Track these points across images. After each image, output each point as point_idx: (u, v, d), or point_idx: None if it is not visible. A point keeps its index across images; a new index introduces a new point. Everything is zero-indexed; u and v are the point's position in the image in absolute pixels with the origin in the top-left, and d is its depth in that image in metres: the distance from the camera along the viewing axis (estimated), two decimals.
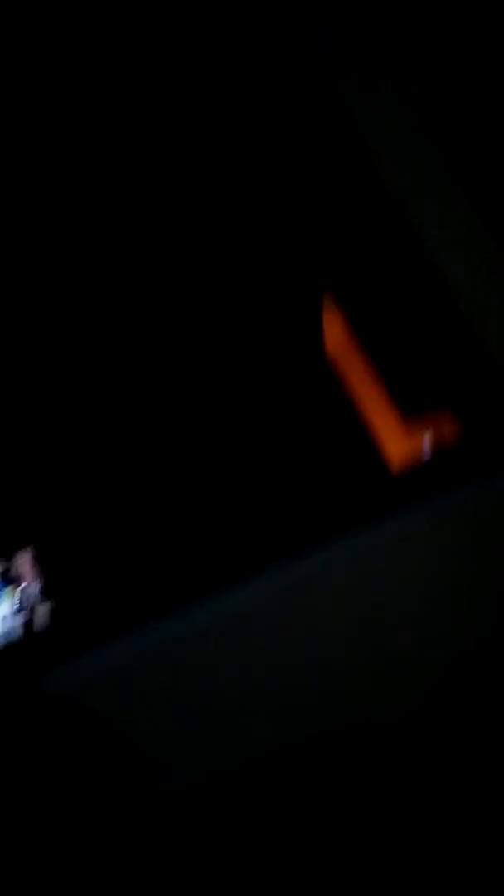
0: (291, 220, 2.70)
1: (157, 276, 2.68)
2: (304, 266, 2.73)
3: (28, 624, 2.45)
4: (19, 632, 2.44)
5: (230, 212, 2.69)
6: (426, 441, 2.54)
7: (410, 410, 2.62)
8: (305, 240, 2.72)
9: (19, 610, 2.42)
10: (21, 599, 2.43)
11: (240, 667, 1.87)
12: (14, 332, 2.59)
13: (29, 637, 2.38)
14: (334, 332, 2.73)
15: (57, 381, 2.68)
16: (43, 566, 2.49)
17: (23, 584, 2.43)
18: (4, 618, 2.44)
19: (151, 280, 2.66)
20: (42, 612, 2.43)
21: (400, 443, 2.59)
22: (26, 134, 2.47)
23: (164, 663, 1.92)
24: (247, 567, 2.22)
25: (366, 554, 2.04)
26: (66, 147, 2.55)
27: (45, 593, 2.45)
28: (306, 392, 2.73)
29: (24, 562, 2.47)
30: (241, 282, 2.73)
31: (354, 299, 2.74)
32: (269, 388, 2.72)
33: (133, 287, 2.68)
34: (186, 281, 2.70)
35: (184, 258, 2.71)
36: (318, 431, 2.70)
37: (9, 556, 2.42)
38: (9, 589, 2.45)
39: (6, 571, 2.43)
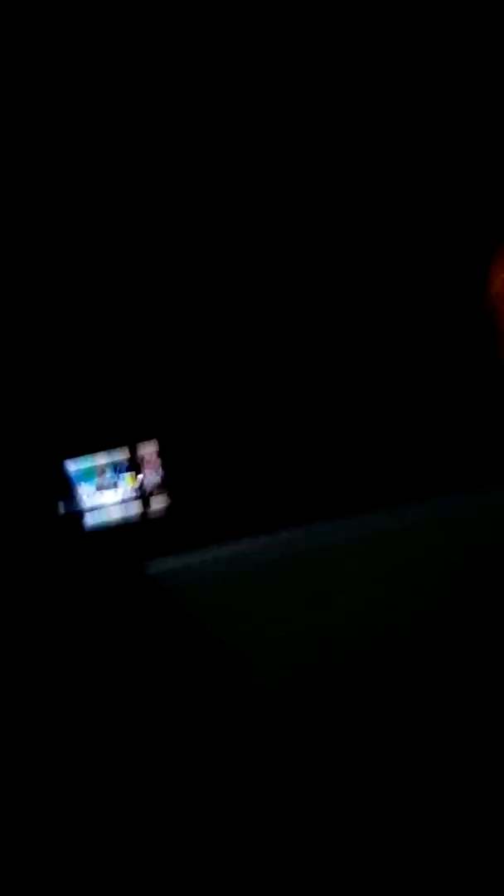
0: (471, 167, 2.43)
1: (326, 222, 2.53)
2: (479, 214, 2.47)
3: (143, 511, 2.61)
4: (135, 516, 2.61)
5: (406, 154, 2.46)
6: None
7: None
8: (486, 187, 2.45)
9: (137, 497, 2.59)
10: (140, 487, 2.59)
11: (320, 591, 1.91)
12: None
13: (142, 522, 2.55)
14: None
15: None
16: (165, 459, 2.61)
17: (143, 473, 2.59)
18: (123, 501, 2.62)
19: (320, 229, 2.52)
20: (157, 502, 2.57)
21: None
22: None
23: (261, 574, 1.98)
24: (351, 503, 2.21)
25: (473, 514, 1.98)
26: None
27: (163, 485, 2.58)
28: (461, 339, 2.54)
29: (147, 452, 2.62)
30: (411, 223, 2.53)
31: None
32: (422, 330, 2.56)
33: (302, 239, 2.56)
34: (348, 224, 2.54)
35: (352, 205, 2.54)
36: (469, 382, 2.52)
37: (133, 446, 2.57)
38: (130, 475, 2.62)
39: (130, 459, 2.59)
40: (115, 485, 2.65)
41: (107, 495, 2.63)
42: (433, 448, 2.50)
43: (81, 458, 2.73)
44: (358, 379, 2.63)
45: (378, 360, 2.62)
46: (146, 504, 2.57)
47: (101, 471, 2.62)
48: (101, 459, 2.62)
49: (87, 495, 2.65)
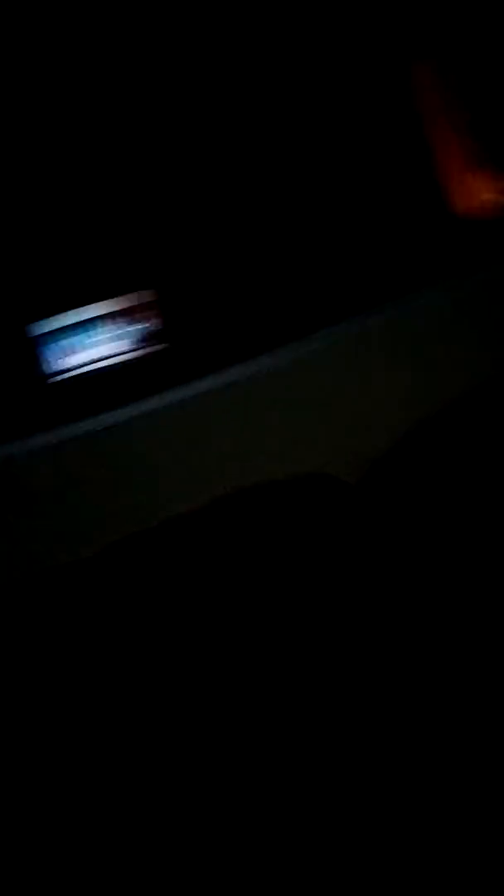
0: None
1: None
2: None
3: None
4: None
5: None
6: None
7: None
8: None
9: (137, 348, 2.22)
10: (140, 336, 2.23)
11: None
12: None
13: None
14: (425, 89, 2.54)
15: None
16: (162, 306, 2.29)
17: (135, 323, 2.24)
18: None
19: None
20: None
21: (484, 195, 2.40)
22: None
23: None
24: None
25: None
26: None
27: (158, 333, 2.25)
28: (390, 141, 2.50)
29: (136, 301, 2.27)
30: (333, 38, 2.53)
31: (450, 52, 2.53)
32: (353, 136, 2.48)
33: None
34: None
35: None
36: (399, 184, 2.46)
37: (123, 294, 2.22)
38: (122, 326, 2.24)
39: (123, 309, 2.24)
40: (107, 339, 2.15)
41: (100, 350, 2.11)
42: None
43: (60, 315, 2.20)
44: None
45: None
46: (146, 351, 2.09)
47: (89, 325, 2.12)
48: (88, 313, 2.14)
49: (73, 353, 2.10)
